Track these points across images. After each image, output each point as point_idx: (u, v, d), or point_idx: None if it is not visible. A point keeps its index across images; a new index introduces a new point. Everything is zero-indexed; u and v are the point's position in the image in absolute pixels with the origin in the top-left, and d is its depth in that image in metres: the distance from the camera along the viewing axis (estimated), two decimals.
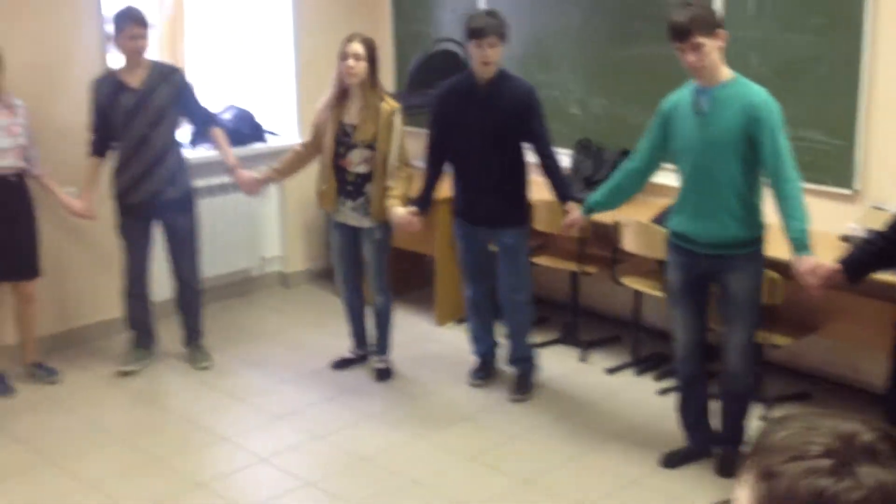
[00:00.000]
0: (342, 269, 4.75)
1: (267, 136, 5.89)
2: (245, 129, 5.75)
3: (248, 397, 4.59)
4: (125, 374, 4.75)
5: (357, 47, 4.32)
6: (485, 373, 4.69)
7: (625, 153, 5.10)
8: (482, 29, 4.15)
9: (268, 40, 5.92)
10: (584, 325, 5.23)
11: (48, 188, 4.59)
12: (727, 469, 3.84)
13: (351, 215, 4.55)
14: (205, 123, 4.87)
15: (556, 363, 4.91)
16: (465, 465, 3.98)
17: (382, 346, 4.80)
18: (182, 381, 4.76)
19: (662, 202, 4.84)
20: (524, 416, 4.38)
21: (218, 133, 4.84)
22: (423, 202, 4.50)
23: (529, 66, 5.53)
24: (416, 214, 4.42)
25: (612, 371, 4.87)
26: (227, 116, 5.74)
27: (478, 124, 4.26)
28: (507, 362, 4.66)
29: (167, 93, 4.56)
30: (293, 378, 4.77)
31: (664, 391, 4.62)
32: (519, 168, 4.37)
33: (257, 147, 5.78)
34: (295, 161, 4.73)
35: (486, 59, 4.17)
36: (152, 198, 4.60)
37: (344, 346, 4.95)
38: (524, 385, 4.58)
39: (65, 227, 4.94)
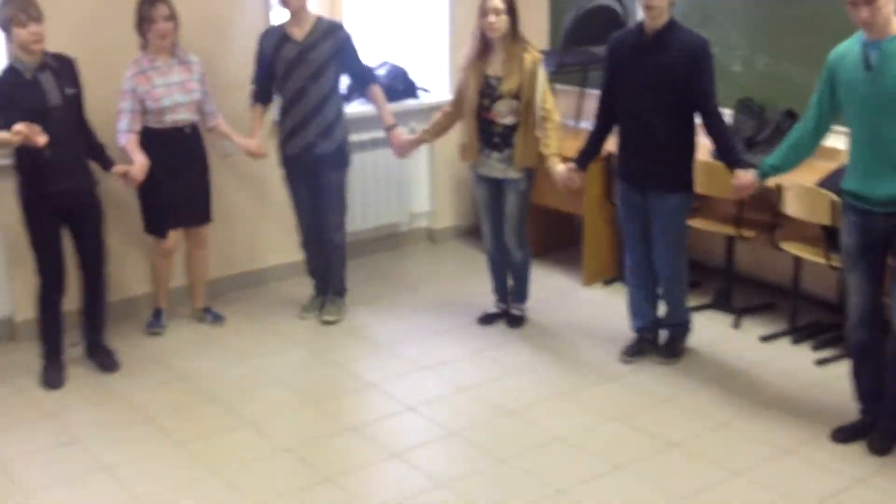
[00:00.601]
0: (489, 223, 4.74)
1: (420, 92, 5.92)
2: (398, 86, 5.80)
3: (395, 347, 4.66)
4: (303, 319, 4.96)
5: (497, 2, 4.30)
6: (638, 351, 4.49)
7: (789, 113, 4.90)
8: None
9: None
10: (739, 291, 5.07)
11: (225, 135, 4.76)
12: (883, 444, 3.65)
13: (497, 167, 4.54)
14: (364, 80, 4.91)
15: (708, 328, 4.78)
16: (611, 425, 3.93)
17: (521, 295, 4.87)
18: (334, 330, 4.87)
19: (828, 165, 4.63)
20: (673, 380, 4.29)
21: (376, 91, 4.88)
22: (584, 158, 4.42)
23: (690, 21, 5.30)
24: (575, 171, 4.36)
25: (766, 339, 4.70)
26: (381, 72, 5.79)
27: (643, 77, 4.12)
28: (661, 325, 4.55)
29: (328, 47, 4.62)
30: (439, 331, 4.82)
31: (822, 361, 4.43)
32: (686, 128, 4.19)
33: (410, 103, 5.82)
34: (444, 122, 4.75)
35: (649, 3, 4.04)
36: (307, 150, 4.70)
37: (489, 301, 4.96)
38: (674, 349, 4.47)
39: (235, 174, 5.16)
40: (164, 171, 4.51)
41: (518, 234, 4.68)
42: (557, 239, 5.80)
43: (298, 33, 4.62)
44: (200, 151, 4.71)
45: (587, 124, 5.19)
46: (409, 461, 3.70)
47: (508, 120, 4.45)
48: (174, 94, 4.52)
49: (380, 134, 5.29)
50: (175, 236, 4.75)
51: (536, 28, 6.08)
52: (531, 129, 4.43)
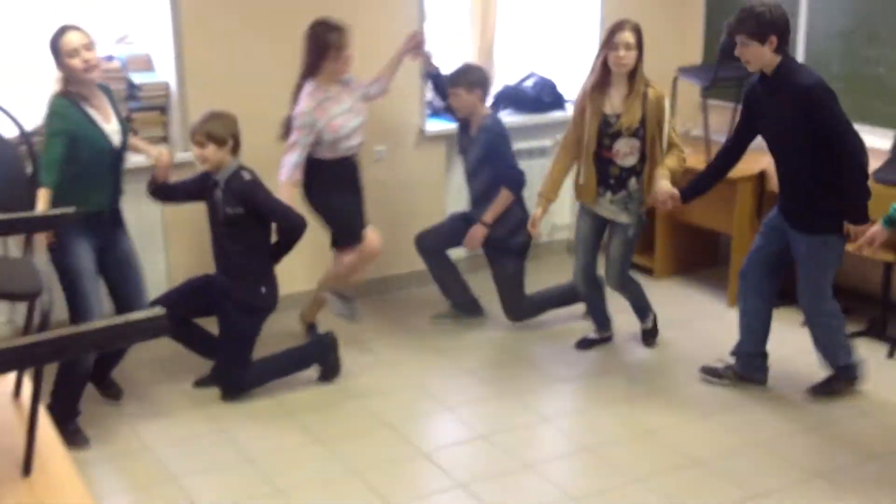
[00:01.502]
0: (582, 261, 4.58)
1: (568, 105, 5.91)
2: (545, 98, 5.80)
3: (537, 360, 4.66)
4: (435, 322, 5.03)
5: (629, 36, 4.14)
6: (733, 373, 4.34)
7: None
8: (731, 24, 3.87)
9: (575, 8, 5.92)
10: (895, 320, 4.83)
11: None
12: None
13: (608, 208, 4.40)
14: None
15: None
16: (751, 451, 3.82)
17: (644, 311, 4.75)
18: (466, 333, 4.91)
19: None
20: (821, 409, 4.13)
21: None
22: (691, 192, 4.21)
23: (854, 40, 5.16)
24: (675, 199, 4.19)
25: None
26: (528, 84, 5.82)
27: (769, 120, 3.94)
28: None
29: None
30: (570, 347, 4.79)
31: None
32: (827, 170, 3.86)
33: (556, 115, 5.82)
34: (561, 173, 4.49)
35: (740, 56, 3.87)
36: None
37: (629, 318, 4.89)
38: (825, 388, 4.25)
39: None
40: (338, 194, 4.52)
41: (621, 278, 4.57)
42: (701, 258, 5.68)
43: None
44: (360, 173, 4.68)
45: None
46: (543, 473, 3.69)
47: (629, 161, 4.30)
48: (350, 121, 4.45)
49: (525, 145, 5.33)
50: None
51: (692, 42, 5.99)
52: (655, 168, 4.26)
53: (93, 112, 3.69)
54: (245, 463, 3.73)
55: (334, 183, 4.51)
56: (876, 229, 3.75)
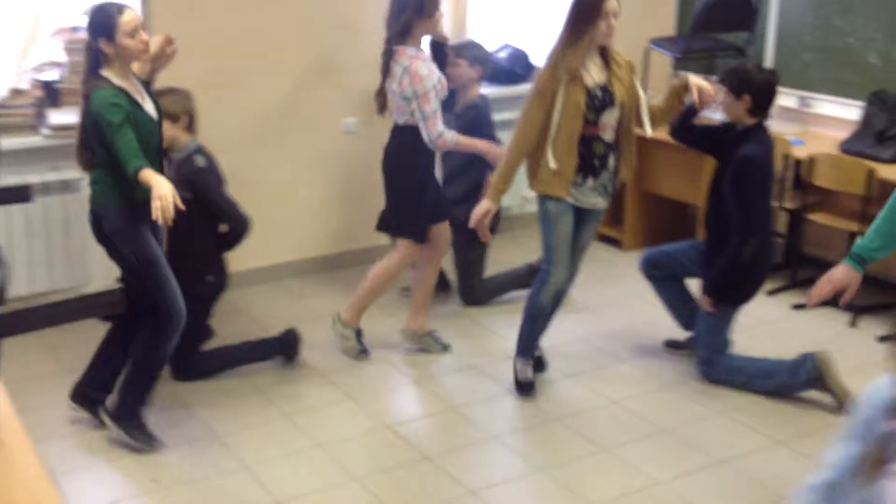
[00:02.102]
0: (567, 259, 3.98)
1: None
2: (518, 69, 5.80)
3: (498, 330, 4.70)
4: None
5: (615, 4, 3.70)
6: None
7: None
8: None
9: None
10: (858, 289, 4.88)
11: None
12: None
13: (588, 196, 3.87)
14: None
15: (825, 326, 4.64)
16: (715, 418, 3.87)
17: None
18: (433, 308, 4.95)
19: None
20: None
21: None
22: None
23: (826, 10, 5.18)
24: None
25: (884, 339, 4.53)
26: (501, 55, 5.81)
27: (719, 162, 4.11)
28: None
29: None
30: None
31: None
32: (725, 236, 3.97)
33: (527, 87, 5.80)
34: (518, 160, 3.87)
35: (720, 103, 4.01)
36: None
37: (599, 291, 4.93)
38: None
39: None
40: (430, 175, 4.33)
41: (579, 267, 4.16)
42: (670, 229, 5.71)
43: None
44: None
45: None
46: (510, 445, 3.74)
47: (609, 136, 3.85)
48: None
49: (498, 117, 5.34)
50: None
51: (664, 13, 5.99)
52: (628, 142, 3.93)
53: (134, 94, 3.50)
54: (212, 440, 3.74)
55: (430, 161, 4.26)
56: (846, 275, 3.15)
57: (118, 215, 3.51)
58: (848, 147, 4.87)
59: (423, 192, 4.24)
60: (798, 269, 5.15)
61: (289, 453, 3.64)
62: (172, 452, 3.62)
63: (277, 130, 4.97)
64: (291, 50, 4.89)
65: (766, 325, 4.69)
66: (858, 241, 3.13)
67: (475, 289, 4.89)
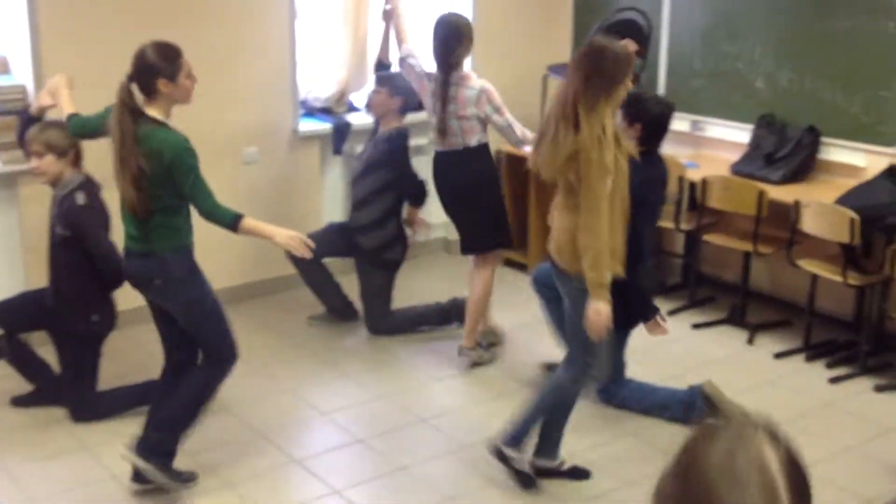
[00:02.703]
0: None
1: None
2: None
3: (408, 359, 4.69)
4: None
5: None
6: None
7: (811, 129, 4.88)
8: None
9: (447, 5, 5.96)
10: (754, 307, 5.05)
11: None
12: None
13: None
14: None
15: (722, 344, 4.77)
16: (624, 440, 3.93)
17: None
18: (340, 337, 4.91)
19: (848, 182, 4.61)
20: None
21: None
22: None
23: (714, 37, 5.35)
24: None
25: (780, 356, 4.69)
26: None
27: None
28: None
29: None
30: (454, 338, 4.85)
31: (835, 379, 4.42)
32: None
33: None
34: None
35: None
36: None
37: (505, 309, 4.97)
38: None
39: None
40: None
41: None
42: None
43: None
44: None
45: None
46: (419, 475, 3.72)
47: None
48: None
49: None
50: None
51: (559, 40, 6.10)
52: None
53: None
54: (109, 480, 3.64)
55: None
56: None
57: (183, 261, 3.40)
58: (739, 169, 5.03)
59: (501, 204, 4.63)
60: (696, 289, 5.29)
61: (192, 493, 3.55)
62: (75, 493, 3.50)
63: None
64: None
65: (667, 345, 4.78)
66: None
67: (381, 317, 4.88)
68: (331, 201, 5.54)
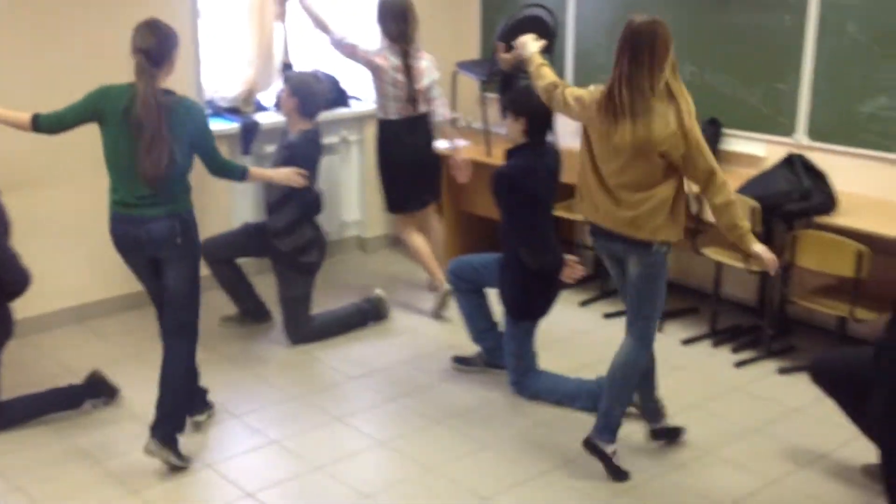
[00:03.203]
0: None
1: (351, 101, 5.94)
2: (330, 94, 5.80)
3: (323, 358, 4.66)
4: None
5: None
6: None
7: (713, 122, 5.00)
8: None
9: (353, 4, 5.95)
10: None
11: None
12: None
13: None
14: None
15: None
16: (537, 430, 3.97)
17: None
18: (254, 339, 4.86)
19: (748, 172, 4.74)
20: None
21: None
22: None
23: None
24: None
25: (687, 342, 4.79)
26: None
27: None
28: None
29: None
30: (367, 338, 4.84)
31: (741, 363, 4.53)
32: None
33: (342, 112, 5.84)
34: None
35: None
36: None
37: (419, 306, 4.97)
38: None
39: None
40: None
41: None
42: (486, 246, 5.83)
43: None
44: None
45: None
46: (334, 474, 3.69)
47: None
48: None
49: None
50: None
51: (468, 37, 6.13)
52: None
53: None
54: (14, 491, 3.54)
55: None
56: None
57: (194, 217, 3.72)
58: None
59: None
60: (606, 279, 5.36)
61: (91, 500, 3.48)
62: None
63: (72, 165, 4.76)
64: (80, 82, 4.68)
65: (580, 335, 4.87)
66: None
67: (302, 326, 4.81)
68: (241, 200, 5.47)
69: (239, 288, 4.91)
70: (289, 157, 4.57)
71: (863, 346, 4.00)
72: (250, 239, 4.82)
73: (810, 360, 3.71)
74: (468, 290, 4.38)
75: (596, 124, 3.50)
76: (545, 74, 3.76)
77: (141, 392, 4.14)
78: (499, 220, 4.18)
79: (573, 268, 4.08)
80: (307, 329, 4.79)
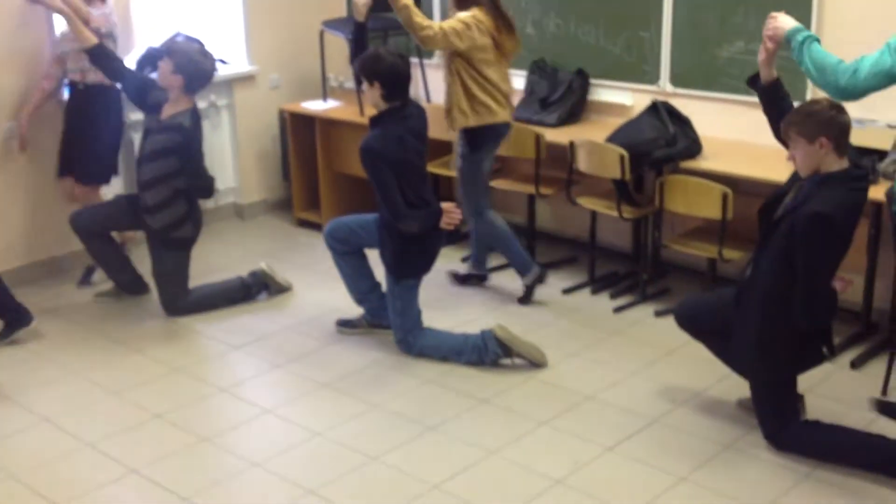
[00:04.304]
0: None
1: (217, 64, 5.76)
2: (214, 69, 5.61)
3: (203, 329, 4.57)
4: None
5: None
6: None
7: (580, 73, 5.08)
8: None
9: None
10: (542, 247, 5.24)
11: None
12: None
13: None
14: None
15: (515, 284, 4.91)
16: (429, 387, 4.00)
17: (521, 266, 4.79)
18: (131, 312, 4.73)
19: (616, 121, 4.83)
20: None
21: None
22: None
23: None
24: None
25: (568, 291, 4.89)
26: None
27: None
28: None
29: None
30: (250, 307, 4.77)
31: (619, 308, 4.66)
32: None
33: None
34: None
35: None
36: None
37: (304, 276, 4.91)
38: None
39: None
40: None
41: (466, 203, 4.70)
42: (366, 207, 5.80)
43: None
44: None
45: None
46: (221, 444, 3.65)
47: None
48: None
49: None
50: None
51: None
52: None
53: None
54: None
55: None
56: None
57: None
58: (517, 115, 5.14)
59: None
60: None
61: None
62: None
63: None
64: None
65: (461, 292, 4.89)
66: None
67: (178, 298, 4.68)
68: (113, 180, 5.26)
69: (113, 261, 4.76)
70: (181, 143, 4.43)
71: (721, 287, 4.19)
72: (122, 212, 4.67)
73: (674, 307, 3.83)
74: (347, 252, 4.35)
75: (487, 41, 4.40)
76: (416, 13, 4.14)
77: (14, 375, 3.99)
78: None
79: (450, 213, 4.09)
80: (184, 302, 4.68)
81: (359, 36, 4.41)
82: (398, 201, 3.98)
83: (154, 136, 4.52)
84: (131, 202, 4.66)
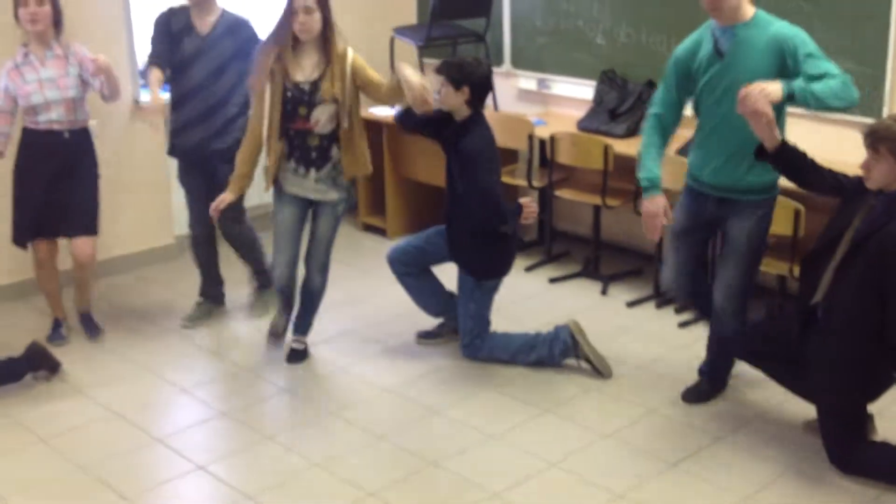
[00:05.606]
0: (289, 252, 4.16)
1: None
2: None
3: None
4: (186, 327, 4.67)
5: (303, 1, 3.85)
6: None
7: (650, 84, 5.04)
8: None
9: None
10: (606, 259, 5.21)
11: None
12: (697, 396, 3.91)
13: (314, 188, 4.07)
14: None
15: (578, 297, 4.90)
16: (483, 394, 4.00)
17: (306, 326, 4.35)
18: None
19: (685, 133, 4.78)
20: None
21: None
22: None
23: None
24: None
25: (632, 304, 4.85)
26: None
27: None
28: None
29: (230, 45, 4.36)
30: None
31: (684, 324, 4.61)
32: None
33: None
34: (254, 150, 4.09)
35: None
36: (201, 145, 4.44)
37: (368, 282, 4.94)
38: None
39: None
40: (35, 177, 4.25)
41: (326, 259, 4.22)
42: (432, 215, 5.80)
43: (202, 26, 4.37)
44: (84, 158, 4.35)
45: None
46: (284, 444, 3.69)
47: (327, 129, 4.01)
48: (46, 90, 4.17)
49: None
50: (49, 247, 4.39)
51: (405, 2, 6.07)
52: (357, 133, 4.09)
53: None
54: None
55: (35, 160, 4.27)
56: (659, 201, 3.79)
57: None
58: (585, 125, 5.16)
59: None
60: (551, 244, 5.41)
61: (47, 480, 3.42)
62: None
63: None
64: None
65: (526, 300, 4.89)
66: (641, 174, 3.78)
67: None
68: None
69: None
70: (250, 36, 4.39)
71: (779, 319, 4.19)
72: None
73: (736, 342, 3.78)
74: (416, 274, 4.35)
75: None
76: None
77: (84, 371, 4.09)
78: (442, 187, 4.19)
79: (528, 207, 4.12)
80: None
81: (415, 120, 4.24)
82: (502, 201, 4.03)
83: (215, 44, 4.39)
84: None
